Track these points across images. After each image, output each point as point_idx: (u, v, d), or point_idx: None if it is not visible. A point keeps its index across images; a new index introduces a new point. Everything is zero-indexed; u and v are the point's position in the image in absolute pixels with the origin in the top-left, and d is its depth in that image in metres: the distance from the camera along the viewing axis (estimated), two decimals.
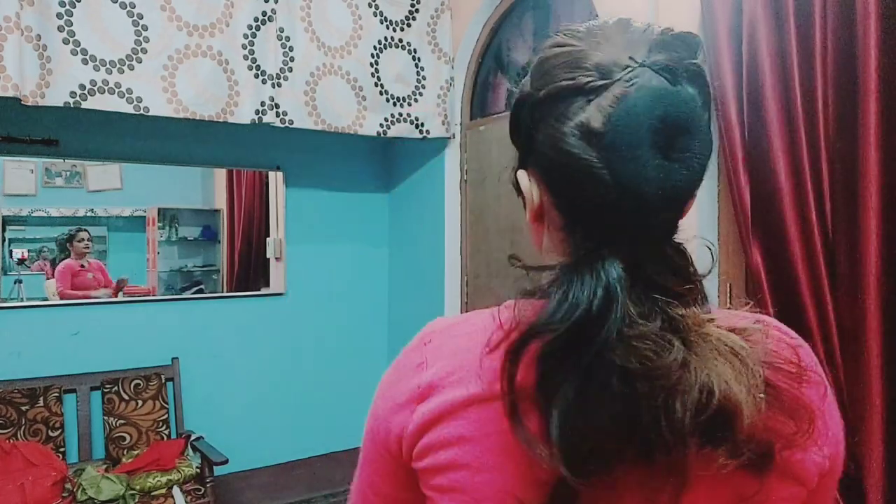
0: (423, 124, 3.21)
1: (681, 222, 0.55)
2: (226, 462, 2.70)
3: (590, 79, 0.49)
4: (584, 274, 0.49)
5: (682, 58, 0.50)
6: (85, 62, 2.40)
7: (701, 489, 0.48)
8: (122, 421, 2.90)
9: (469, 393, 0.52)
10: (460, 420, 0.52)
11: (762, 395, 0.46)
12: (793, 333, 0.55)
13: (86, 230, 3.99)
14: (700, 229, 2.03)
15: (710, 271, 0.53)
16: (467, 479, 0.51)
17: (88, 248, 3.94)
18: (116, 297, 3.83)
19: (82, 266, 3.90)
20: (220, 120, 2.68)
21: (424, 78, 3.24)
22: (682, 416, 0.44)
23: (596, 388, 0.46)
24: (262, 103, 2.77)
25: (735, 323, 0.50)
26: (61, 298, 3.62)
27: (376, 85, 3.10)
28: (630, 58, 0.49)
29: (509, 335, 0.50)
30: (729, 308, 0.55)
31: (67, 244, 3.94)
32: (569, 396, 0.46)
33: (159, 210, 4.47)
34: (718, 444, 0.45)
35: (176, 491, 2.66)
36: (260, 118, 2.76)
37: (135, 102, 2.49)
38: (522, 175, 0.57)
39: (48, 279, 3.92)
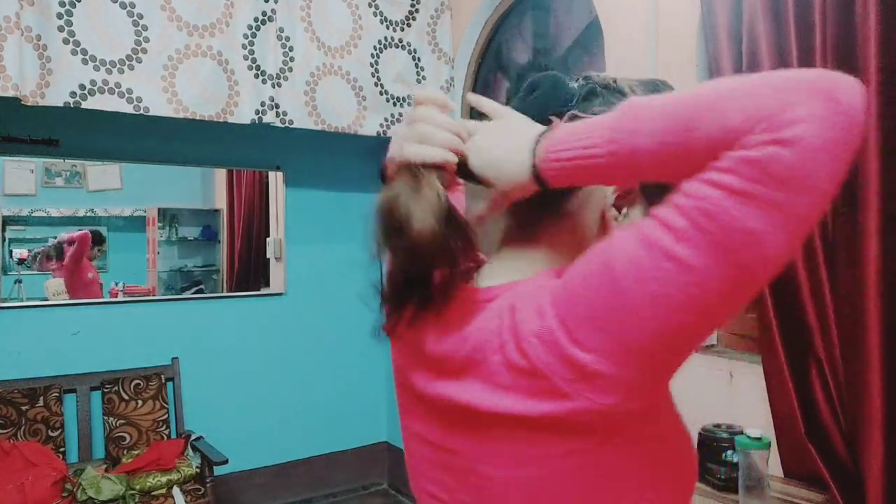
0: None
1: None
2: (226, 462, 2.70)
3: None
4: None
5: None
6: (85, 62, 2.40)
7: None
8: (122, 421, 2.90)
9: None
10: None
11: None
12: (538, 317, 0.56)
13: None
14: None
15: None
16: None
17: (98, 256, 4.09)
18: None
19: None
20: (220, 120, 2.68)
21: (424, 78, 3.24)
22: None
23: None
24: (262, 103, 2.77)
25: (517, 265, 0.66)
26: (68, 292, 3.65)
27: (376, 85, 3.10)
28: None
29: None
30: None
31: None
32: None
33: (159, 210, 4.48)
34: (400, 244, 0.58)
35: (176, 491, 2.66)
36: (260, 118, 2.76)
37: (135, 102, 2.49)
38: None
39: (56, 277, 3.93)
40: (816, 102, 0.44)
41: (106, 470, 2.71)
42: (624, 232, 0.53)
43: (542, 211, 0.66)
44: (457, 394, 0.61)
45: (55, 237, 4.00)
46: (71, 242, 3.93)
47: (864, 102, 0.46)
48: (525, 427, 0.57)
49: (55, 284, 3.86)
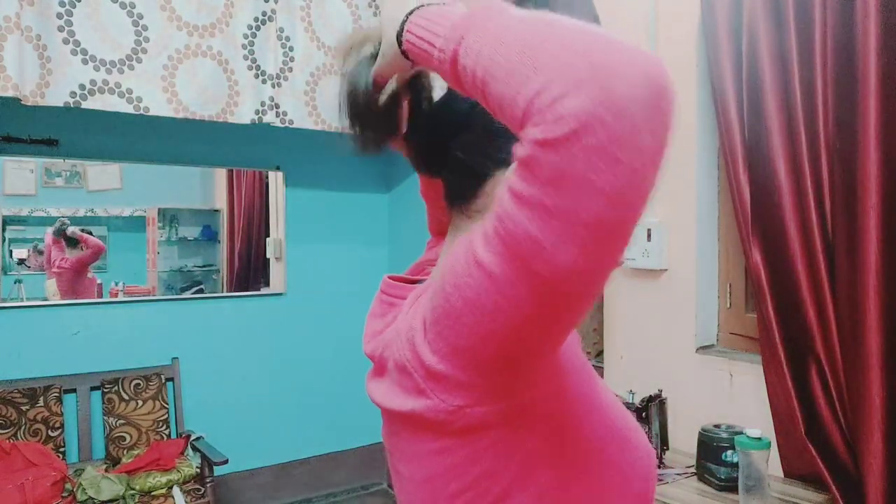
0: None
1: None
2: (226, 462, 2.70)
3: None
4: None
5: None
6: (85, 62, 2.40)
7: None
8: (122, 421, 2.90)
9: None
10: None
11: None
12: (413, 316, 0.57)
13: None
14: (700, 229, 2.02)
15: None
16: None
17: None
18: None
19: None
20: (220, 120, 2.68)
21: None
22: None
23: None
24: (262, 103, 2.77)
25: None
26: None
27: None
28: None
29: None
30: None
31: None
32: None
33: (159, 210, 4.47)
34: None
35: (176, 491, 2.66)
36: (260, 118, 2.76)
37: (135, 102, 2.49)
38: None
39: (50, 278, 3.93)
40: (586, 92, 0.37)
41: (106, 470, 2.71)
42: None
43: (454, 211, 0.64)
44: (373, 392, 0.62)
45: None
46: (56, 242, 3.92)
47: (654, 90, 0.37)
48: (410, 424, 0.56)
49: (52, 285, 3.86)
